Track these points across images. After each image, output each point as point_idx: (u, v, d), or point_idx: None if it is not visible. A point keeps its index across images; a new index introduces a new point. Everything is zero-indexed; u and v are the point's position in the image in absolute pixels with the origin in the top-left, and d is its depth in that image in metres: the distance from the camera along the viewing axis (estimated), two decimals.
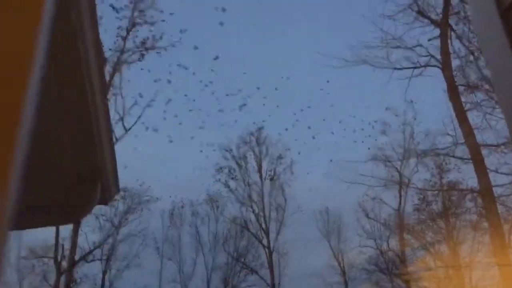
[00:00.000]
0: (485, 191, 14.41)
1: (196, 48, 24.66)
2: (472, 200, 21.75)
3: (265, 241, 29.27)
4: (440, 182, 25.18)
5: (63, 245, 22.50)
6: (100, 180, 2.64)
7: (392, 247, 27.29)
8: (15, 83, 0.66)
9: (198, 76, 29.62)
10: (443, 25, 16.59)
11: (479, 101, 16.41)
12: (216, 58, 25.71)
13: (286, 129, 30.44)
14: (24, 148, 0.64)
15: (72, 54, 1.97)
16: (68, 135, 2.29)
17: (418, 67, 17.56)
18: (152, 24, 22.57)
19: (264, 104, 28.88)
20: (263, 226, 29.60)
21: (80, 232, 22.32)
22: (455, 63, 16.76)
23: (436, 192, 25.01)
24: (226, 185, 30.22)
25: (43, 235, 23.26)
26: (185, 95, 26.84)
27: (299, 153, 30.26)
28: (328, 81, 20.84)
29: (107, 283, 26.05)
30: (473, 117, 16.13)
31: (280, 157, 30.59)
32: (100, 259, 25.56)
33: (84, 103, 2.22)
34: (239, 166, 30.63)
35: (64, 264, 22.04)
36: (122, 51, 22.43)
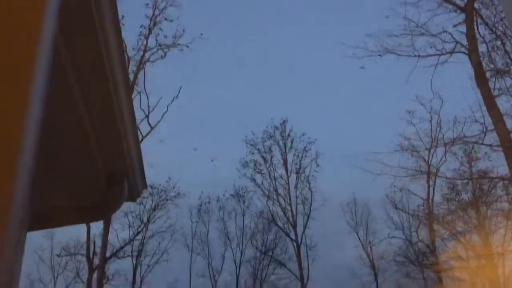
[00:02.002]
0: None
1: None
2: (503, 188, 21.31)
3: (292, 235, 29.28)
4: (470, 170, 24.70)
5: (94, 242, 22.98)
6: (127, 177, 2.69)
7: (421, 237, 26.95)
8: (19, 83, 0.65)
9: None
10: (468, 10, 16.19)
11: (507, 86, 16.02)
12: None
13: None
14: (30, 148, 0.64)
15: (94, 56, 2.00)
16: (96, 137, 2.33)
17: (444, 54, 17.19)
18: (172, 21, 22.73)
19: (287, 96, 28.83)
20: (290, 219, 29.60)
21: (110, 229, 22.73)
22: (481, 48, 16.35)
23: (465, 181, 24.56)
24: (252, 180, 30.31)
25: (75, 233, 23.80)
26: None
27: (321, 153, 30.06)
28: (362, 67, 19.98)
29: (138, 279, 26.52)
30: (502, 103, 15.74)
31: (305, 149, 30.50)
32: (131, 256, 26.02)
33: (110, 104, 2.26)
34: (265, 160, 30.66)
35: (96, 261, 22.49)
36: (145, 50, 22.68)
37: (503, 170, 17.26)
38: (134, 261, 26.46)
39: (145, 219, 26.73)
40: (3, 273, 0.53)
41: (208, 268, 29.10)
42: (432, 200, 26.17)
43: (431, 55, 17.28)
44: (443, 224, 25.16)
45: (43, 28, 0.65)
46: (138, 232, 26.44)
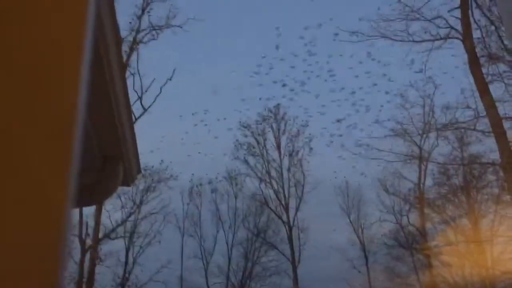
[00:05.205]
0: (507, 164, 14.19)
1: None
2: (493, 173, 21.50)
3: (284, 217, 29.46)
4: (462, 155, 24.89)
5: (87, 223, 22.97)
6: (122, 161, 2.68)
7: (412, 221, 27.22)
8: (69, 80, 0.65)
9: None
10: None
11: (500, 72, 16.06)
12: None
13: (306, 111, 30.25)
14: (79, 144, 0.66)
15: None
16: (90, 121, 2.32)
17: (438, 39, 17.20)
18: (164, 0, 22.49)
19: (283, 82, 28.77)
20: (283, 202, 29.76)
21: (103, 210, 22.74)
22: (475, 34, 16.36)
23: (457, 166, 24.75)
24: (245, 162, 30.36)
25: None
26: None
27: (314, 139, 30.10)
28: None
29: (130, 259, 26.64)
30: (495, 89, 15.82)
31: (298, 133, 30.54)
32: (123, 237, 26.07)
33: (104, 86, 2.25)
34: (258, 142, 30.68)
35: (89, 241, 22.53)
36: (137, 31, 22.45)
37: (494, 155, 17.41)
38: (127, 242, 26.55)
39: (137, 201, 26.79)
40: (66, 243, 0.56)
41: (200, 249, 29.28)
42: (423, 184, 26.41)
43: (425, 41, 17.28)
44: (434, 208, 25.44)
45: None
46: (131, 214, 26.50)
